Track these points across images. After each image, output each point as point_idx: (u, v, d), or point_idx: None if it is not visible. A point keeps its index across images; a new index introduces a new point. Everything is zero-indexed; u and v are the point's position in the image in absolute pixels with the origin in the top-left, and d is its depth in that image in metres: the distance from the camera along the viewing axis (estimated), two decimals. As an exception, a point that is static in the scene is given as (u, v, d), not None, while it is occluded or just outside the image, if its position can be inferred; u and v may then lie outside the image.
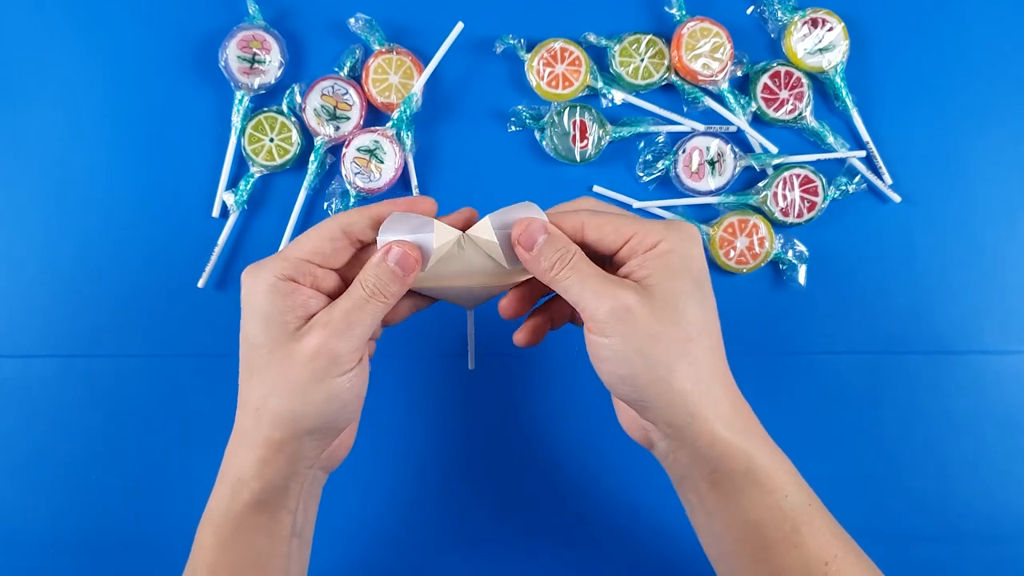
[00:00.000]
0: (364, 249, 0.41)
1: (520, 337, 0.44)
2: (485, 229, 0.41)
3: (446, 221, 0.41)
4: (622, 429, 0.45)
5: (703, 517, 0.41)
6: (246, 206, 0.55)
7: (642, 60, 0.56)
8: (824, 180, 0.55)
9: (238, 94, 0.55)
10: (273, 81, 0.55)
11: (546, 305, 0.45)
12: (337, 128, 0.55)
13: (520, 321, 0.45)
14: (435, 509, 0.55)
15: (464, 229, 0.41)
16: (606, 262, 0.40)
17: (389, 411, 0.55)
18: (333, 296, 0.40)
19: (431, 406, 0.55)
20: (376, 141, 0.55)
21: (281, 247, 0.55)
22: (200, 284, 0.55)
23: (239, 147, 0.55)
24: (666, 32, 0.56)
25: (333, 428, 0.39)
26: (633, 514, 0.54)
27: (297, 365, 0.37)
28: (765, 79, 0.56)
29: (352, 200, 0.55)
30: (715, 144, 0.56)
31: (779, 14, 0.56)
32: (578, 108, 0.55)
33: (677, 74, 0.56)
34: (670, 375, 0.37)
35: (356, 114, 0.55)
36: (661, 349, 0.36)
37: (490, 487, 0.55)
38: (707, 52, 0.55)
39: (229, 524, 0.39)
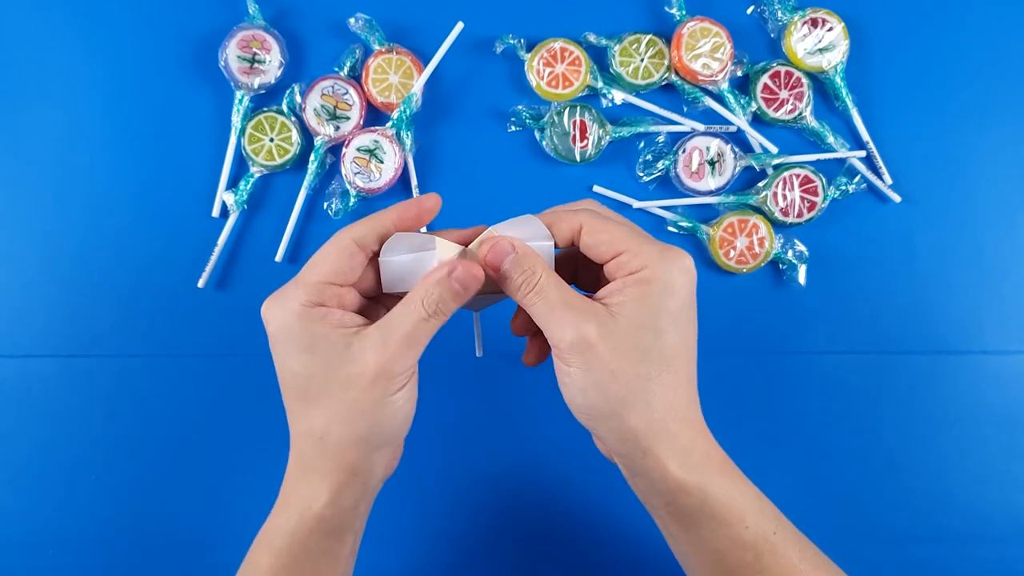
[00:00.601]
0: (373, 260, 0.40)
1: (529, 359, 0.44)
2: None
3: (452, 237, 0.40)
4: None
5: (670, 539, 0.41)
6: (246, 206, 0.55)
7: (642, 60, 0.56)
8: (824, 180, 0.55)
9: (238, 94, 0.55)
10: (273, 81, 0.55)
11: None
12: (337, 128, 0.55)
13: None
14: (440, 505, 0.55)
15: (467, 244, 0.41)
16: (598, 269, 0.40)
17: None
18: (357, 311, 0.39)
19: (438, 403, 0.55)
20: (376, 141, 0.55)
21: (281, 248, 0.55)
22: (200, 284, 0.55)
23: (239, 147, 0.55)
24: (666, 32, 0.57)
25: (397, 439, 0.40)
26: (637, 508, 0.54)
27: (358, 390, 0.36)
28: (765, 79, 0.56)
29: (352, 200, 0.55)
30: (715, 144, 0.56)
31: (779, 14, 0.56)
32: (578, 108, 0.55)
33: (677, 74, 0.56)
34: (624, 412, 0.36)
35: (356, 114, 0.55)
36: (618, 386, 0.36)
37: (497, 482, 0.55)
38: (707, 52, 0.55)
39: (294, 549, 0.38)
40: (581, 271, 0.43)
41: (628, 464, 0.39)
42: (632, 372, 0.36)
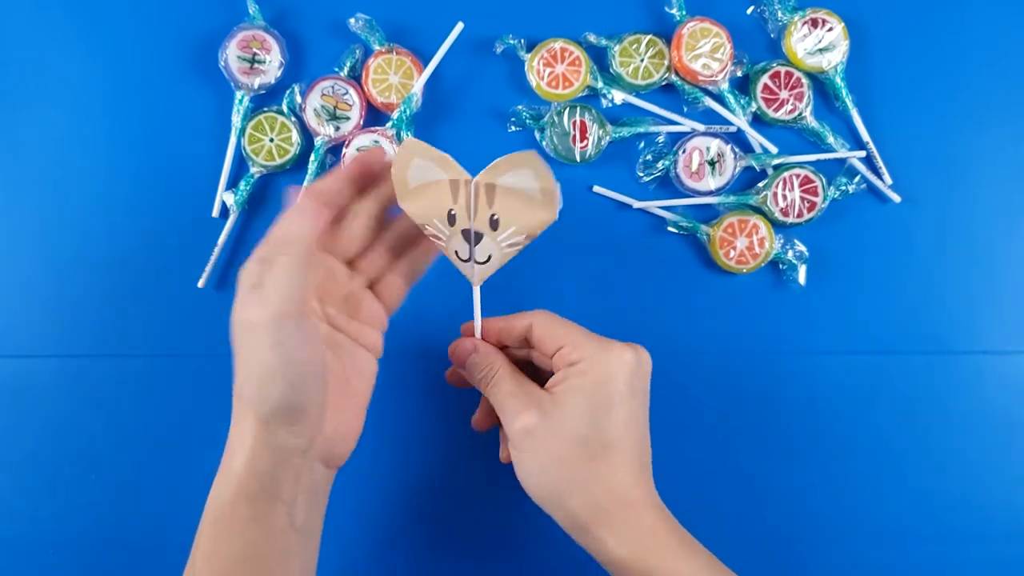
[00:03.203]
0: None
1: (478, 421, 0.47)
2: (491, 176, 0.41)
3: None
4: None
5: None
6: (246, 206, 0.55)
7: (642, 60, 0.56)
8: (824, 180, 0.55)
9: (238, 94, 0.55)
10: (273, 81, 0.55)
11: None
12: (337, 128, 0.55)
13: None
14: (439, 509, 0.55)
15: None
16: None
17: (389, 412, 0.55)
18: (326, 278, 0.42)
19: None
20: (376, 141, 0.55)
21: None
22: (200, 284, 0.55)
23: (239, 147, 0.55)
24: (666, 32, 0.57)
25: (298, 404, 0.37)
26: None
27: (249, 337, 0.37)
28: (765, 79, 0.56)
29: (352, 200, 0.55)
30: (715, 144, 0.56)
31: (779, 14, 0.56)
32: (578, 108, 0.55)
33: (677, 74, 0.56)
34: (564, 495, 0.39)
35: (356, 114, 0.55)
36: (559, 470, 0.39)
37: (493, 490, 0.55)
38: (707, 52, 0.55)
39: (224, 514, 0.39)
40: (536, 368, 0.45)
41: (577, 540, 0.41)
42: (571, 457, 0.39)
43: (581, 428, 0.39)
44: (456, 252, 0.44)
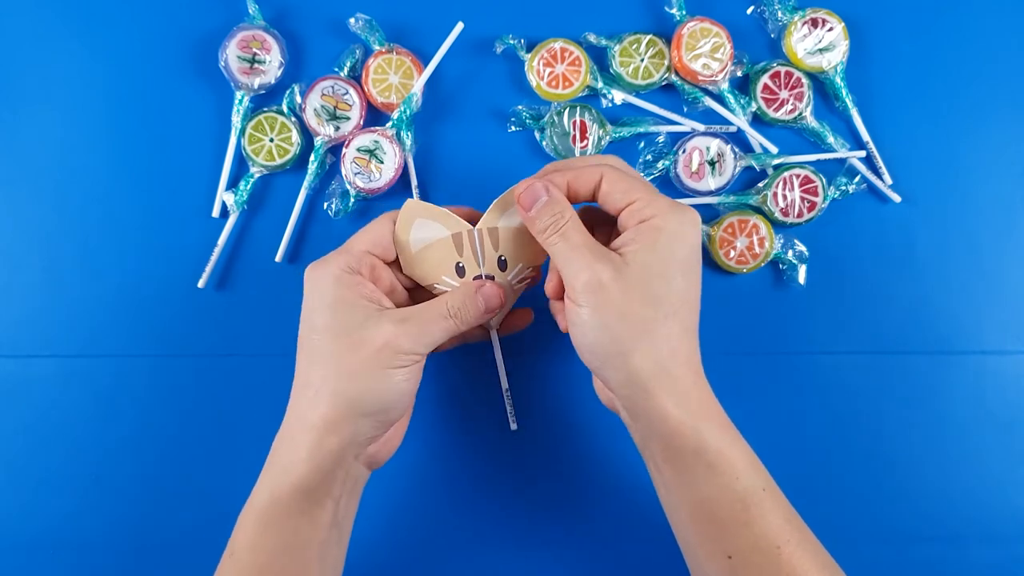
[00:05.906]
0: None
1: (551, 287, 0.45)
2: (492, 219, 0.44)
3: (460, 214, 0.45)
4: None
5: (662, 488, 0.42)
6: (246, 206, 0.55)
7: (642, 60, 0.56)
8: (824, 180, 0.55)
9: (238, 94, 0.55)
10: (273, 81, 0.55)
11: None
12: (337, 128, 0.55)
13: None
14: (455, 507, 0.55)
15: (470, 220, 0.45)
16: (610, 222, 0.43)
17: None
18: (388, 293, 0.43)
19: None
20: (376, 141, 0.55)
21: (281, 248, 0.55)
22: (200, 284, 0.55)
23: (239, 147, 0.55)
24: (666, 32, 0.57)
25: (386, 416, 0.41)
26: (638, 507, 0.54)
27: (364, 352, 0.39)
28: (765, 79, 0.56)
29: (352, 200, 0.55)
30: (715, 144, 0.56)
31: (779, 14, 0.56)
32: (578, 108, 0.55)
33: (677, 74, 0.56)
34: (630, 351, 0.38)
35: (356, 114, 0.55)
36: (625, 326, 0.38)
37: (507, 486, 0.55)
38: (707, 52, 0.55)
39: (274, 507, 0.40)
40: (595, 234, 0.44)
41: (630, 406, 0.40)
42: (640, 314, 0.38)
43: (653, 287, 0.38)
44: None
